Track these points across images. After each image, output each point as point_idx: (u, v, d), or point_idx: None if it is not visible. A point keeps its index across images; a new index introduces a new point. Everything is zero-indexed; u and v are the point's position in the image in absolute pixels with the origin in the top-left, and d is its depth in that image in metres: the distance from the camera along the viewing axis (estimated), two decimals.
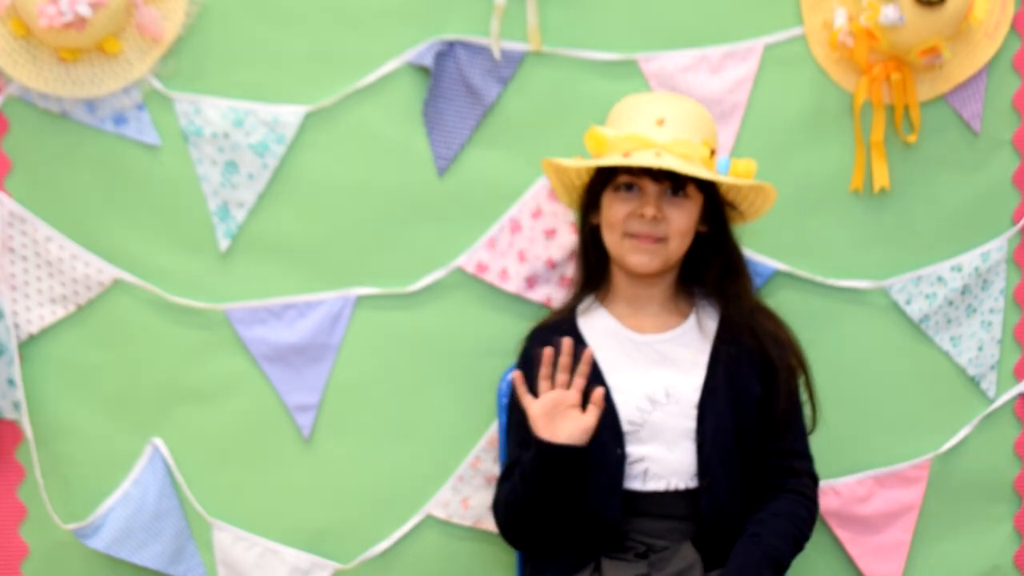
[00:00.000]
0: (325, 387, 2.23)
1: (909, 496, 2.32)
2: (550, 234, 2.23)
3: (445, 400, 2.25)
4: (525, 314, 2.23)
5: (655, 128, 1.95)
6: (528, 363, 1.99)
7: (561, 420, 1.89)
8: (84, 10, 2.02)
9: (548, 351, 1.91)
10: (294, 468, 2.25)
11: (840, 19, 2.17)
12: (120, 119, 2.17)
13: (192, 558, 2.25)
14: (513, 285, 2.23)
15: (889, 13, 2.11)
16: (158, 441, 2.23)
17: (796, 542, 1.95)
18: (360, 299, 2.23)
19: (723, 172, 1.98)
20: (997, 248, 2.31)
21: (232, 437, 2.24)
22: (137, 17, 2.11)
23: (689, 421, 1.96)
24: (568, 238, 2.22)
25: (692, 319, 2.04)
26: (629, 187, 1.97)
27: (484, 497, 2.25)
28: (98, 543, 2.19)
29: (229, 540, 2.25)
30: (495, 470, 2.24)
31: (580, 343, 1.99)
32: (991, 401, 2.34)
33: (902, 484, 2.31)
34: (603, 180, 2.00)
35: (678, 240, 1.99)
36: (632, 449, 1.95)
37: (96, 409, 2.22)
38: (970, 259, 2.30)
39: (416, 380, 2.24)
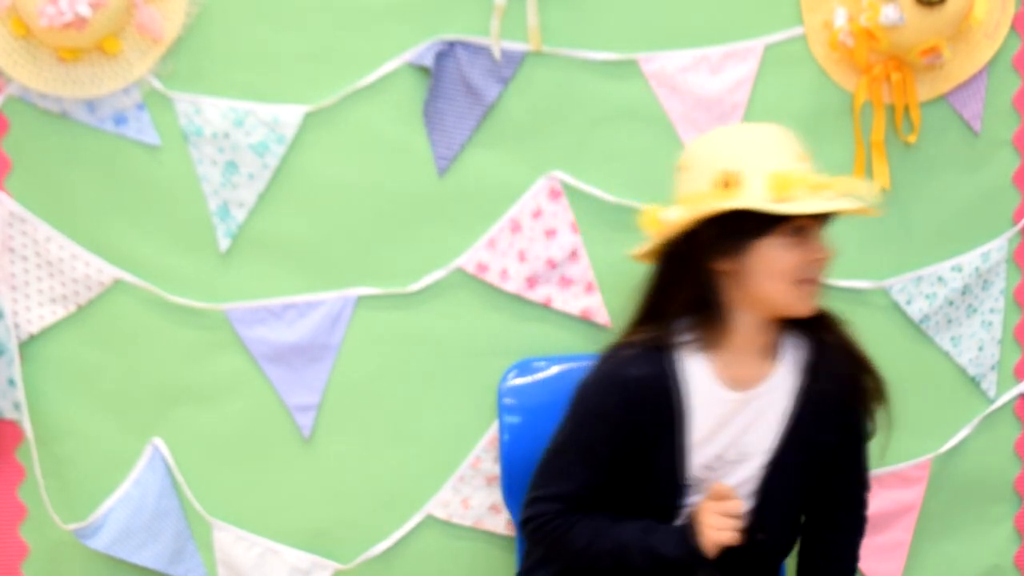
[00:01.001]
0: (325, 387, 2.23)
1: (909, 496, 2.32)
2: (550, 234, 2.23)
3: (445, 400, 2.25)
4: (525, 314, 2.23)
5: (802, 164, 1.81)
6: (604, 418, 1.84)
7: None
8: (84, 10, 2.02)
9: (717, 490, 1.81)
10: (294, 468, 2.25)
11: (840, 19, 2.17)
12: (120, 119, 2.17)
13: (192, 558, 2.25)
14: (513, 285, 2.23)
15: (889, 13, 2.11)
16: (158, 441, 2.23)
17: None
18: (360, 299, 2.23)
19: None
20: (997, 248, 2.31)
21: (232, 437, 2.24)
22: (137, 17, 2.11)
23: (752, 481, 1.89)
24: (568, 238, 2.22)
25: (785, 363, 1.89)
26: (797, 230, 1.79)
27: (484, 497, 2.25)
28: (98, 543, 2.19)
29: (229, 540, 2.25)
30: (495, 470, 2.24)
31: (674, 394, 1.85)
32: (991, 401, 2.34)
33: (902, 484, 2.32)
34: (755, 227, 1.78)
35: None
36: (688, 499, 1.88)
37: (96, 409, 2.22)
38: (970, 259, 2.30)
39: (416, 380, 2.24)
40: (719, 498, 1.82)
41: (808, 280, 1.81)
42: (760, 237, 1.78)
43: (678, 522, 1.87)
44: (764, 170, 1.77)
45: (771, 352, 1.89)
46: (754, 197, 1.75)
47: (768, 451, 1.89)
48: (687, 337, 1.86)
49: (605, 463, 1.85)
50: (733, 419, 1.87)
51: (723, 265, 1.81)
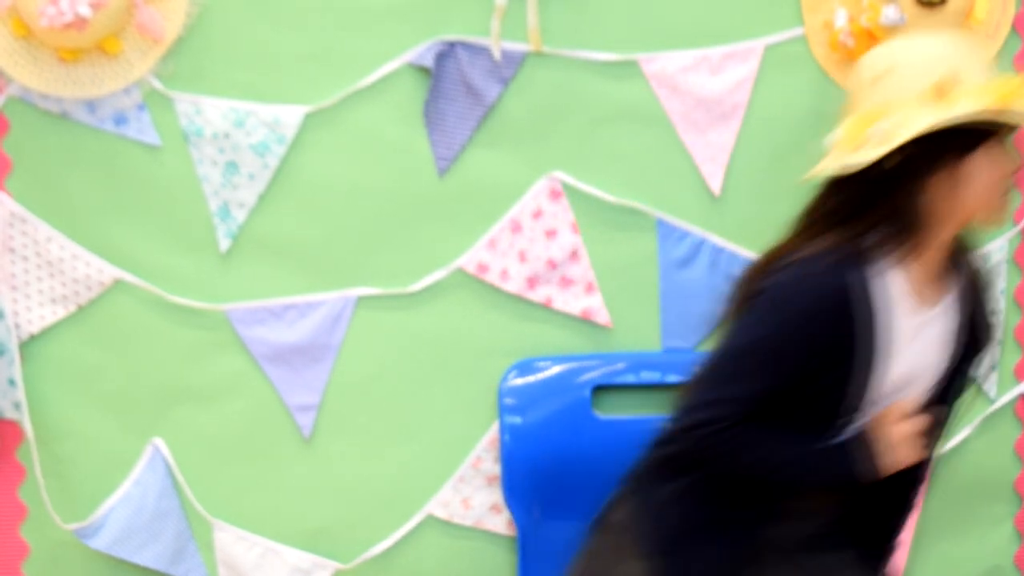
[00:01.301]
0: (325, 387, 2.24)
1: None
2: (550, 234, 2.23)
3: (445, 400, 2.25)
4: (526, 314, 2.23)
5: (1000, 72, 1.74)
6: (801, 325, 1.72)
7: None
8: (84, 10, 2.02)
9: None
10: (294, 468, 2.25)
11: (841, 19, 2.17)
12: (120, 119, 2.17)
13: (193, 558, 2.25)
14: (514, 285, 2.23)
15: (890, 13, 2.11)
16: (158, 441, 2.24)
17: None
18: (360, 299, 2.23)
19: None
20: (997, 249, 2.30)
21: (232, 437, 2.24)
22: (137, 17, 2.11)
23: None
24: (568, 238, 2.22)
25: (954, 286, 1.83)
26: (1000, 141, 1.72)
27: (485, 497, 2.25)
28: (99, 543, 2.19)
29: (230, 540, 2.25)
30: (496, 470, 2.24)
31: (868, 308, 1.74)
32: (991, 401, 2.34)
33: None
34: (972, 138, 1.71)
35: None
36: (854, 421, 1.79)
37: (96, 409, 2.22)
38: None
39: (416, 380, 2.25)
40: (903, 416, 1.75)
41: (1007, 190, 1.75)
42: (976, 148, 1.70)
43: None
44: (978, 78, 1.69)
45: (943, 274, 1.81)
46: (988, 104, 1.66)
47: (931, 377, 1.83)
48: (885, 249, 1.75)
49: (789, 372, 1.73)
50: (916, 339, 1.78)
51: (937, 178, 1.71)
